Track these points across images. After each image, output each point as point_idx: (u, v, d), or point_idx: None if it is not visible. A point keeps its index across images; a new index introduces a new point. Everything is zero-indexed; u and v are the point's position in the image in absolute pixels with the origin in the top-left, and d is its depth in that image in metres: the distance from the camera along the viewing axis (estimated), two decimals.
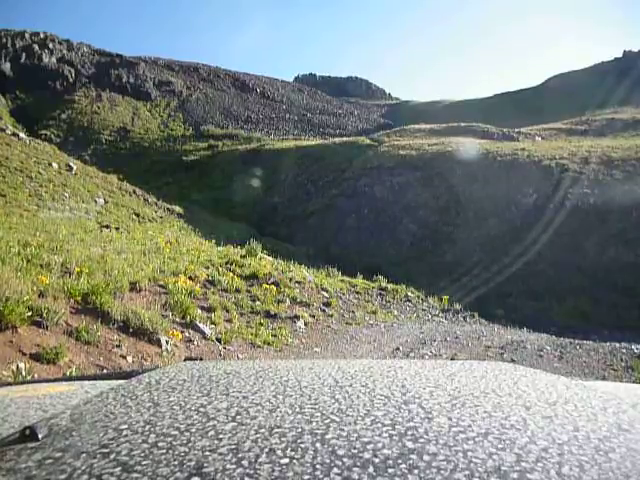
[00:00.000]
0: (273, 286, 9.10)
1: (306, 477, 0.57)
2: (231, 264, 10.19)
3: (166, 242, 11.75)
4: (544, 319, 15.13)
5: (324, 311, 9.33)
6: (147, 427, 0.73)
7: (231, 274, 9.17)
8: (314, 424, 0.72)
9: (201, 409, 0.81)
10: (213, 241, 17.98)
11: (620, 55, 79.04)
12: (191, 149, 45.23)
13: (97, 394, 0.94)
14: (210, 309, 7.11)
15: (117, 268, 6.59)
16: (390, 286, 13.86)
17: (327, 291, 10.82)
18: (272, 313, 8.09)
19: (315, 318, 8.71)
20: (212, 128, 51.52)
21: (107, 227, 14.69)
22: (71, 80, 59.12)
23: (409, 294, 13.86)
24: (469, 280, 18.49)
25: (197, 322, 6.06)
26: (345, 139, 37.44)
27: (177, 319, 6.03)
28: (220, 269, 9.62)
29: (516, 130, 38.00)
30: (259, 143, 42.78)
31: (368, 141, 34.48)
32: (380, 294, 13.03)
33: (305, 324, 8.15)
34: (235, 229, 25.30)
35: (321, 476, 0.58)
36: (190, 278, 8.12)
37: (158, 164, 42.50)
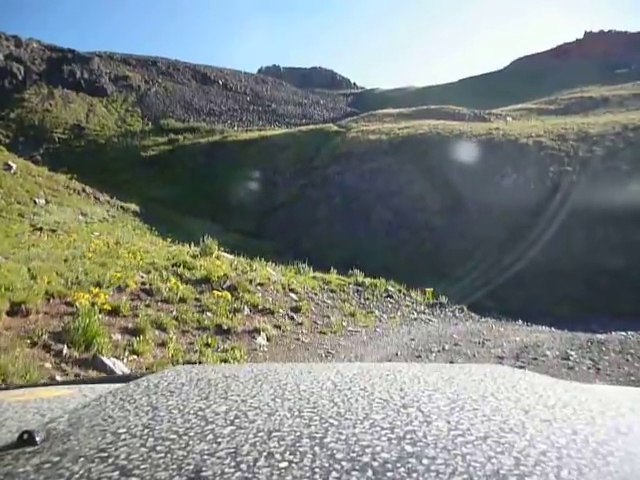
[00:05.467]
0: (227, 292, 7.37)
1: None
2: (179, 266, 8.45)
3: (104, 244, 9.93)
4: (536, 309, 13.88)
5: (292, 319, 7.67)
6: (145, 431, 0.72)
7: (174, 279, 7.41)
8: (313, 428, 0.72)
9: (199, 413, 0.79)
10: (169, 240, 16.29)
11: (581, 36, 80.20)
12: (150, 144, 42.95)
13: (95, 398, 0.93)
14: (136, 331, 5.35)
15: (2, 283, 4.81)
16: (368, 281, 12.35)
17: (296, 292, 9.18)
18: (225, 328, 6.37)
19: (281, 329, 7.04)
20: (172, 122, 49.26)
21: (40, 230, 12.76)
22: (20, 78, 55.77)
23: (389, 288, 12.37)
24: (451, 269, 17.18)
25: (103, 357, 4.30)
26: (311, 127, 35.79)
27: (75, 354, 4.28)
28: (164, 273, 7.88)
29: (487, 111, 37.06)
30: (222, 135, 40.84)
31: (335, 128, 32.94)
32: (357, 290, 11.51)
33: (267, 339, 6.47)
34: (197, 226, 23.51)
35: None
36: (119, 288, 6.36)
37: (115, 161, 40.11)
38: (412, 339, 7.41)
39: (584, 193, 18.05)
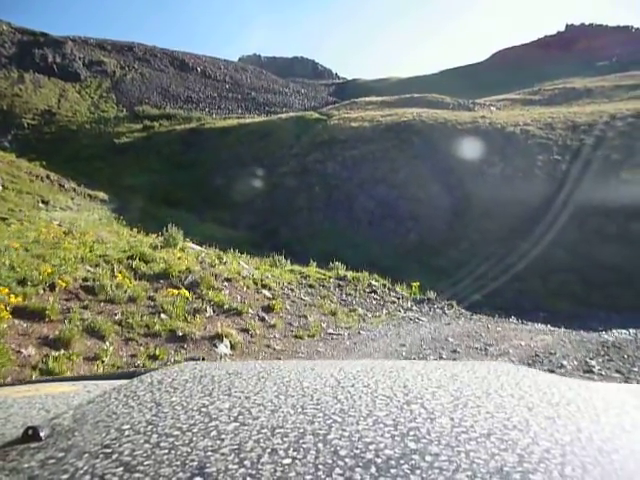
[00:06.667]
0: (184, 290, 6.28)
1: (308, 477, 0.57)
2: (135, 259, 7.34)
3: (54, 233, 8.78)
4: (529, 303, 13.10)
5: (263, 320, 6.64)
6: (149, 427, 0.72)
7: (125, 274, 6.31)
8: (316, 424, 0.71)
9: (203, 409, 0.79)
10: (135, 230, 15.14)
11: (563, 29, 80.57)
12: (124, 131, 41.37)
13: (99, 394, 0.93)
14: (60, 342, 4.24)
15: None
16: (350, 274, 11.41)
17: (270, 288, 8.16)
18: (180, 334, 5.31)
19: (249, 334, 6.01)
20: (148, 109, 47.62)
21: None
22: None
23: (373, 283, 11.45)
24: (438, 261, 16.35)
25: None
26: (292, 114, 34.61)
27: None
28: (116, 267, 6.78)
29: (471, 101, 36.35)
30: (199, 122, 39.44)
31: (317, 115, 31.82)
32: (339, 285, 10.55)
33: (232, 347, 5.43)
34: (171, 216, 22.33)
35: (323, 476, 0.57)
36: (52, 286, 5.26)
37: (88, 148, 38.52)
38: (402, 344, 6.43)
39: (575, 182, 17.32)
